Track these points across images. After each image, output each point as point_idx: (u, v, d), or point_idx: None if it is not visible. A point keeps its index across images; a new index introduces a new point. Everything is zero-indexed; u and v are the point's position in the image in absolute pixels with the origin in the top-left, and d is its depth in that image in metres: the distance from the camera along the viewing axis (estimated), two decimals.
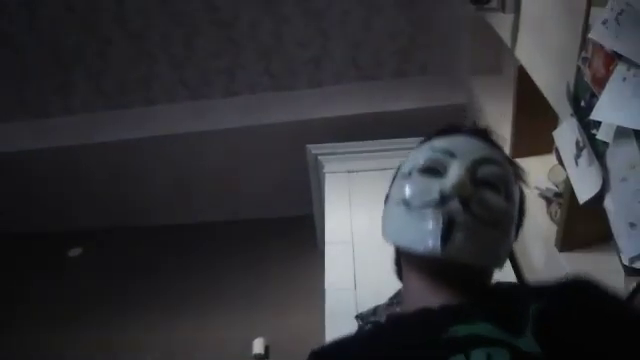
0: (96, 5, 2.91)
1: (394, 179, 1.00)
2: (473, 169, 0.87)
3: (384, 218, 0.95)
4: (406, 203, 0.88)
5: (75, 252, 3.24)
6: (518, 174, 0.98)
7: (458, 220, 0.82)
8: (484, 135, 0.98)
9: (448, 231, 0.81)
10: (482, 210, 0.84)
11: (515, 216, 0.93)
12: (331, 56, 3.02)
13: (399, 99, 2.93)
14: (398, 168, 1.01)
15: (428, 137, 1.01)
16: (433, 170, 0.88)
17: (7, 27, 2.97)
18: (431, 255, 0.81)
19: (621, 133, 0.99)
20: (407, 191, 0.89)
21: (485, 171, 0.88)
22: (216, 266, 3.00)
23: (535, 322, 0.76)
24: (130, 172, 3.18)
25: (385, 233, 0.93)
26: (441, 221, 0.82)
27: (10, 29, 2.98)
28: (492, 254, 0.88)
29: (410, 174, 0.91)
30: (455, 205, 0.83)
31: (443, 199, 0.83)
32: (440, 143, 0.94)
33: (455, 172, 0.85)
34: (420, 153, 0.94)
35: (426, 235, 0.82)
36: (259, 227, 3.19)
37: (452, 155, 0.89)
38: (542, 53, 1.57)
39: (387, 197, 0.99)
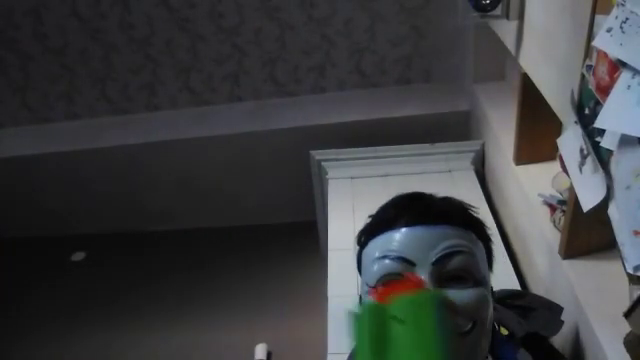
0: (101, 11, 2.92)
1: (362, 277, 0.98)
2: (436, 273, 0.86)
3: None
4: None
5: (78, 257, 3.24)
6: (480, 232, 0.97)
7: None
8: (432, 213, 0.93)
9: None
10: (458, 320, 0.83)
11: (489, 279, 0.94)
12: (335, 63, 3.03)
13: (402, 106, 2.93)
14: (358, 263, 1.01)
15: (371, 230, 0.97)
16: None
17: (12, 32, 2.99)
18: None
19: (625, 141, 0.99)
20: None
21: (449, 267, 0.87)
22: (219, 272, 3.00)
23: None
24: (134, 177, 3.18)
25: None
26: None
27: (15, 34, 2.99)
28: (481, 350, 0.88)
29: (375, 288, 0.90)
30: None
31: None
32: (392, 248, 0.90)
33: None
34: (377, 265, 0.90)
35: None
36: (262, 233, 3.19)
37: (411, 264, 0.87)
38: (546, 60, 1.57)
39: (360, 299, 0.98)
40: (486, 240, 0.99)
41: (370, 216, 1.01)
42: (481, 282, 0.90)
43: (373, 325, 0.80)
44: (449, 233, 0.90)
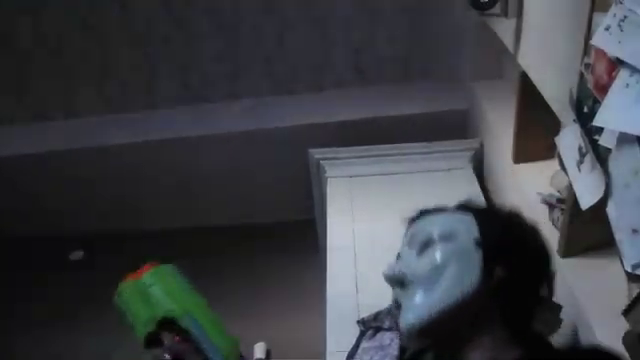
0: (99, 9, 2.92)
1: None
2: (409, 250, 0.96)
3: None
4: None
5: (77, 255, 3.24)
6: (469, 206, 1.02)
7: (400, 300, 0.92)
8: (422, 215, 1.04)
9: (397, 309, 0.93)
10: (416, 271, 0.92)
11: (469, 236, 0.94)
12: (333, 61, 3.03)
13: (401, 104, 2.93)
14: None
15: None
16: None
17: (10, 30, 2.98)
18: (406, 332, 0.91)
19: (624, 139, 0.99)
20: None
21: (415, 241, 0.97)
22: (217, 270, 2.99)
23: None
24: (132, 175, 3.18)
25: None
26: (397, 310, 0.93)
27: (13, 32, 2.99)
28: (455, 288, 0.90)
29: None
30: (396, 291, 0.94)
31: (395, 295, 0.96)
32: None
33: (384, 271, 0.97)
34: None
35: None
36: (260, 231, 3.19)
37: (398, 256, 1.00)
38: (544, 59, 1.57)
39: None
40: (477, 211, 1.01)
41: None
42: (447, 237, 0.95)
43: (135, 294, 1.49)
44: (425, 220, 1.01)
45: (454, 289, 0.89)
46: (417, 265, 0.92)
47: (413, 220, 1.03)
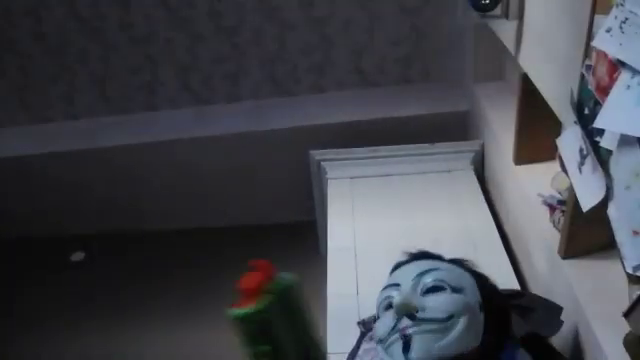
0: (101, 11, 2.92)
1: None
2: (414, 285, 1.04)
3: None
4: (380, 341, 1.06)
5: (78, 257, 3.24)
6: (466, 266, 1.12)
7: (410, 332, 0.98)
8: (422, 256, 1.14)
9: (406, 345, 0.98)
10: (432, 312, 0.99)
11: (475, 297, 1.04)
12: (334, 62, 3.03)
13: (402, 106, 2.93)
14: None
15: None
16: (389, 305, 1.06)
17: (11, 32, 2.99)
18: None
19: (625, 141, 0.99)
20: (378, 332, 1.07)
21: (426, 281, 1.03)
22: (218, 271, 2.98)
23: None
24: (133, 177, 3.18)
25: None
26: (400, 340, 0.99)
27: (14, 34, 2.99)
28: (463, 341, 0.99)
29: (379, 316, 1.10)
30: (405, 322, 0.99)
31: (396, 323, 1.00)
32: (388, 281, 1.12)
33: (399, 292, 1.03)
34: (378, 299, 1.11)
35: (395, 358, 1.00)
36: (261, 233, 3.19)
37: (397, 285, 1.06)
38: (546, 60, 1.57)
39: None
40: (477, 276, 1.10)
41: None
42: (460, 290, 1.03)
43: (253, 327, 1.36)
44: (432, 262, 1.10)
45: (462, 342, 0.99)
46: (432, 306, 1.00)
47: (412, 259, 1.14)
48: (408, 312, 0.99)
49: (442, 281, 1.03)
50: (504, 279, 1.77)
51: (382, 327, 1.05)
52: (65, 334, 2.75)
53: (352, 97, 3.05)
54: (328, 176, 2.55)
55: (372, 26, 2.92)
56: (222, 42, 2.99)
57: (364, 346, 1.39)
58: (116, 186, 3.21)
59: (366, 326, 1.75)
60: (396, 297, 1.01)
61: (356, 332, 1.71)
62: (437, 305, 1.00)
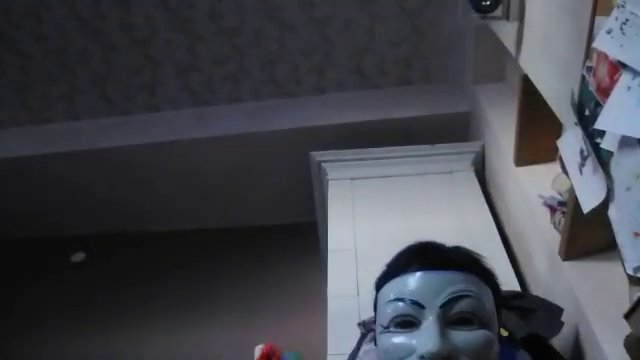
0: (101, 12, 2.92)
1: (375, 318, 1.08)
2: (443, 316, 0.94)
3: None
4: None
5: (78, 257, 3.24)
6: (488, 279, 1.04)
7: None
8: (440, 259, 1.01)
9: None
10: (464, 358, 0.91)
11: (496, 326, 1.00)
12: (335, 64, 3.03)
13: (403, 107, 2.93)
14: (375, 303, 1.10)
15: (388, 274, 1.06)
16: (407, 323, 0.96)
17: (12, 33, 2.99)
18: None
19: (625, 142, 0.99)
20: (392, 352, 0.96)
21: (455, 310, 0.94)
22: (219, 272, 3.00)
23: None
24: (133, 178, 3.18)
25: None
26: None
27: (15, 35, 2.99)
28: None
29: (388, 328, 0.99)
30: None
31: None
32: (405, 291, 0.98)
33: (428, 332, 0.92)
34: (390, 307, 0.99)
35: None
36: (262, 234, 3.19)
37: (420, 306, 0.95)
38: (546, 61, 1.57)
39: (374, 339, 1.06)
40: (494, 286, 1.04)
41: (387, 263, 1.10)
42: (487, 324, 0.96)
43: None
44: (457, 278, 0.97)
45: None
46: (462, 348, 0.92)
47: (430, 263, 1.01)
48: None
49: (472, 314, 0.95)
50: (505, 280, 1.77)
51: (399, 354, 0.95)
52: (65, 334, 2.76)
53: (352, 98, 3.05)
54: (328, 177, 2.55)
55: (373, 27, 2.92)
56: (222, 43, 2.99)
57: (364, 347, 1.38)
58: (116, 187, 3.21)
59: (366, 327, 1.75)
60: (430, 332, 0.92)
61: (356, 333, 1.71)
62: (466, 347, 0.92)
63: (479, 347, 0.93)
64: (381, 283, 1.08)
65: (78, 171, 3.16)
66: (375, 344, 1.05)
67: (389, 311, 0.99)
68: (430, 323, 0.93)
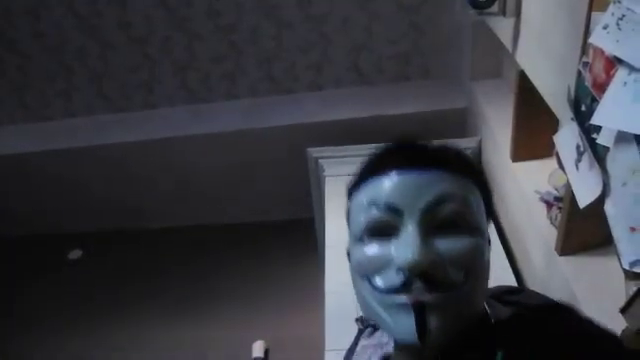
0: (99, 9, 2.92)
1: (349, 228, 0.89)
2: (425, 221, 0.78)
3: (353, 283, 0.87)
4: (369, 280, 0.81)
5: (75, 254, 3.24)
6: (477, 179, 0.87)
7: (427, 301, 0.76)
8: (423, 158, 0.85)
9: (422, 321, 0.76)
10: (450, 271, 0.77)
11: (485, 228, 0.85)
12: (332, 60, 3.03)
13: (400, 103, 2.94)
14: (348, 214, 0.90)
15: (361, 177, 0.89)
16: (383, 231, 0.80)
17: (10, 31, 2.98)
18: (411, 344, 0.77)
19: (622, 138, 0.99)
20: (366, 265, 0.82)
21: (439, 215, 0.79)
22: (216, 269, 3.00)
23: None
24: (131, 175, 3.18)
25: (360, 305, 0.86)
26: (412, 313, 0.76)
27: (13, 33, 2.99)
28: (476, 304, 0.83)
29: (361, 239, 0.83)
30: (419, 286, 0.76)
31: (406, 283, 0.76)
32: (380, 195, 0.82)
33: (407, 240, 0.77)
34: (363, 214, 0.83)
35: (400, 329, 0.77)
36: (259, 230, 3.20)
37: (398, 212, 0.80)
38: (543, 57, 1.58)
39: (348, 253, 0.90)
40: (484, 187, 0.89)
41: (360, 165, 0.92)
42: (476, 231, 0.82)
43: None
44: (441, 178, 0.82)
45: (475, 309, 0.83)
46: (450, 257, 0.78)
47: (407, 161, 0.84)
48: (423, 274, 0.76)
49: (459, 219, 0.80)
50: (501, 275, 1.78)
51: (375, 265, 0.80)
52: (65, 333, 2.76)
53: (350, 95, 3.05)
54: (326, 173, 2.55)
55: (370, 24, 2.92)
56: (220, 40, 2.99)
57: (362, 342, 1.38)
58: (114, 183, 3.21)
59: (364, 323, 1.76)
60: (409, 240, 0.77)
61: (354, 329, 1.72)
62: (452, 256, 0.78)
63: (467, 256, 0.79)
64: (354, 189, 0.90)
65: (76, 168, 3.16)
66: (349, 259, 0.89)
67: (362, 219, 0.82)
68: (409, 230, 0.78)
